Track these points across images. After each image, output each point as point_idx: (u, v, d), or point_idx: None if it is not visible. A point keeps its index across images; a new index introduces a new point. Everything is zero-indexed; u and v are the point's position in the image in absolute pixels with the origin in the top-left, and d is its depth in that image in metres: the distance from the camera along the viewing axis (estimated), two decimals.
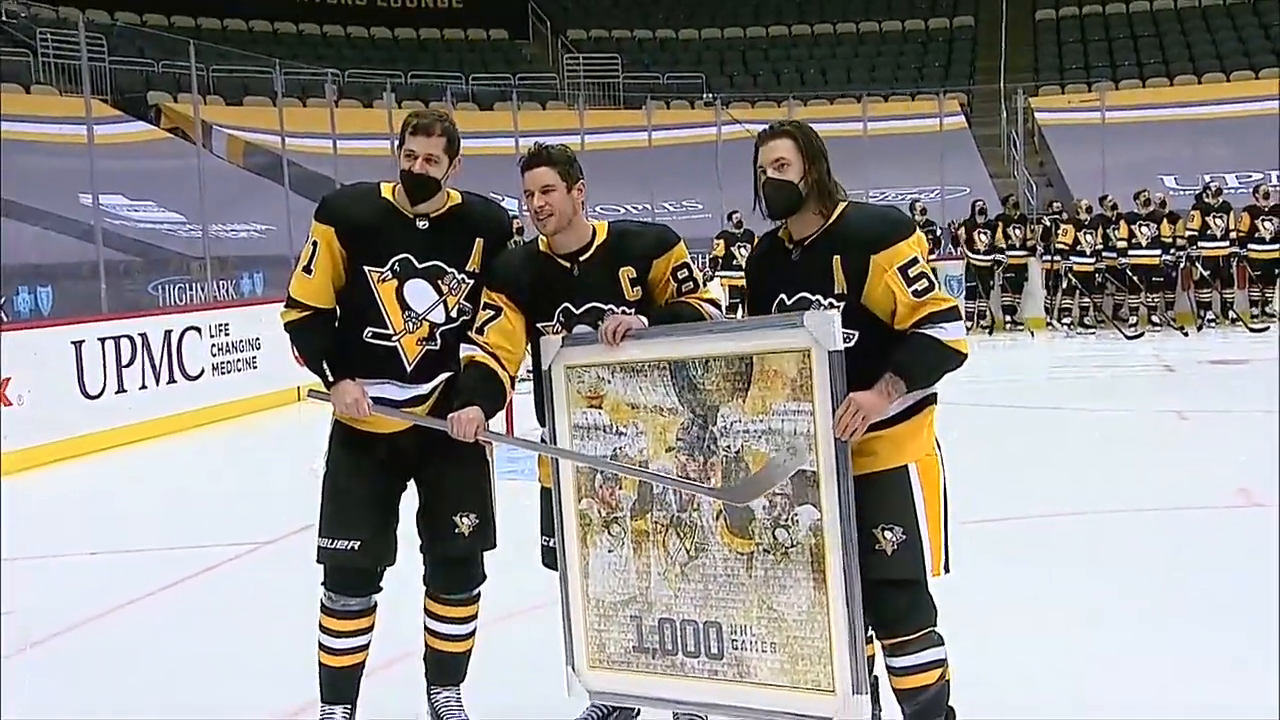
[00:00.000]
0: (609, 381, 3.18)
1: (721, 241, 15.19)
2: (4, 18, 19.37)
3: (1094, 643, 4.23)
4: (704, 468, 3.07)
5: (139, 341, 9.86)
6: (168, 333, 10.26)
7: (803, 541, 2.96)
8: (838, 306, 2.94)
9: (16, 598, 5.36)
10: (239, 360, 11.11)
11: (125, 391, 9.66)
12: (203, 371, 10.63)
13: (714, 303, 3.32)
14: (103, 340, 9.50)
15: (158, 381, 10.04)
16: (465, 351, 3.27)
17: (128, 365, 9.71)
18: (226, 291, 13.32)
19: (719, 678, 3.11)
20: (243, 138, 18.44)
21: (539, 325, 3.29)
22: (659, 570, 3.16)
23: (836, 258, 2.97)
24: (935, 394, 3.05)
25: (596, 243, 3.30)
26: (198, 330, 10.64)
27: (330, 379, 3.32)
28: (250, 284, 13.90)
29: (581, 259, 3.29)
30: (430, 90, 21.21)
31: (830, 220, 3.04)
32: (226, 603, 5.40)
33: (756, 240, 3.35)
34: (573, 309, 3.27)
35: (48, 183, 13.87)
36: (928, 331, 2.91)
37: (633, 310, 3.22)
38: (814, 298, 2.99)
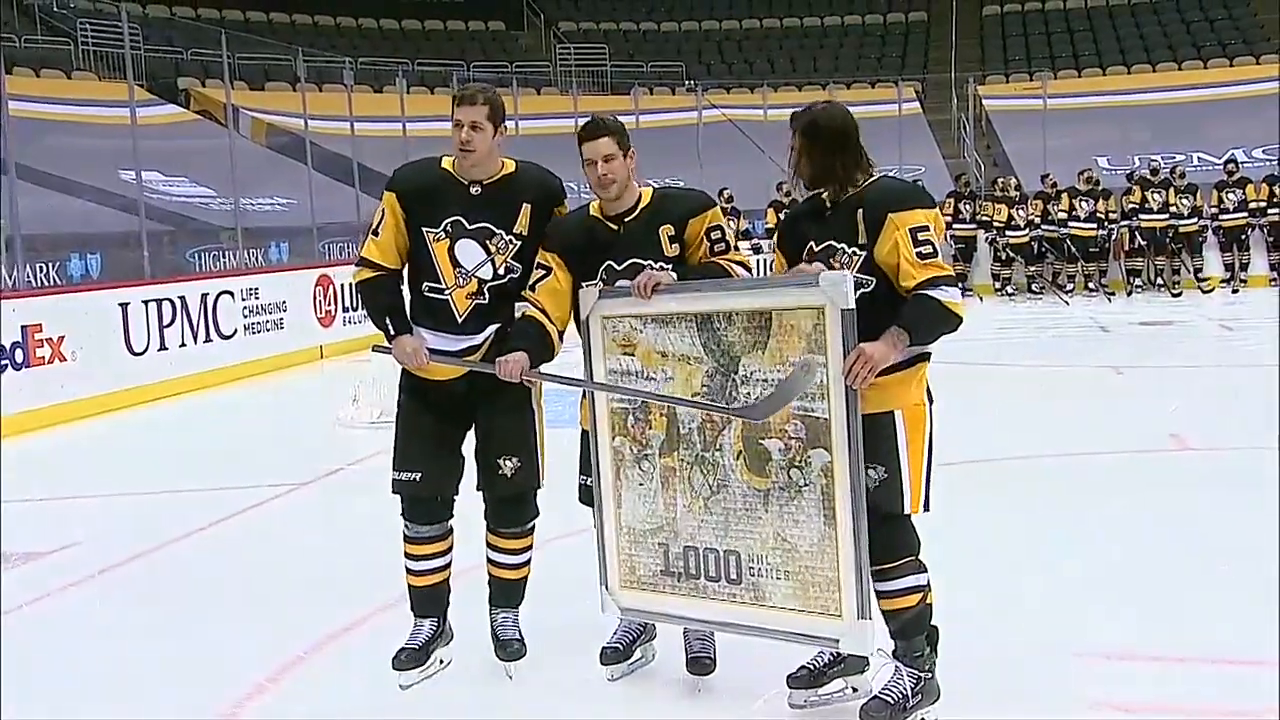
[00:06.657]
0: (641, 331, 3.16)
1: None
2: (51, 6, 19.09)
3: (1042, 571, 4.24)
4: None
5: (178, 304, 9.82)
6: (204, 296, 10.20)
7: (814, 481, 2.96)
8: (859, 255, 2.94)
9: (82, 530, 5.34)
10: (268, 321, 11.04)
11: (166, 349, 9.61)
12: (235, 331, 10.56)
13: (743, 264, 3.28)
14: (146, 302, 9.45)
15: (195, 340, 9.99)
16: (519, 308, 3.29)
17: (168, 325, 9.66)
18: (256, 259, 13.22)
19: (737, 601, 3.12)
20: (265, 120, 18.17)
21: (585, 284, 3.26)
22: (684, 503, 3.16)
23: (860, 211, 2.97)
24: (928, 353, 3.04)
25: (641, 205, 3.27)
26: (230, 294, 10.57)
27: (392, 333, 3.34)
28: (277, 252, 13.79)
29: (627, 219, 3.26)
30: (435, 77, 20.96)
31: (860, 188, 3.03)
32: (278, 533, 5.39)
33: (795, 201, 3.35)
34: (615, 265, 3.24)
35: (91, 160, 13.70)
36: (929, 293, 2.89)
37: (669, 266, 3.19)
38: (839, 245, 2.98)
